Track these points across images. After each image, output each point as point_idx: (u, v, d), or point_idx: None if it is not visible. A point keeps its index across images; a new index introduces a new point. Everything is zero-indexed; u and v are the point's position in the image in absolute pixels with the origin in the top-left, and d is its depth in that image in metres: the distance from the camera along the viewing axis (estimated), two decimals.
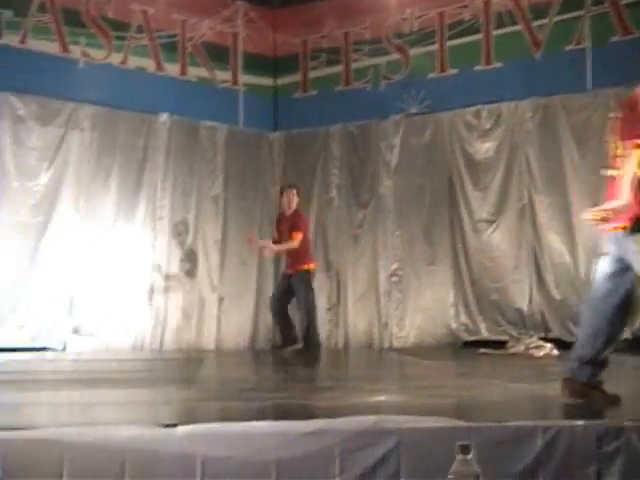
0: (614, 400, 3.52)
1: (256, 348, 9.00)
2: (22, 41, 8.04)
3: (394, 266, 8.84)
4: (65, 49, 8.33)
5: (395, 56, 9.24)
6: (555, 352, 7.29)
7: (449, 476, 1.99)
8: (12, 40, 7.98)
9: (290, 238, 7.86)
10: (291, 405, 3.83)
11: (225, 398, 4.20)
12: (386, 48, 9.28)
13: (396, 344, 8.70)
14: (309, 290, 7.96)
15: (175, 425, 2.83)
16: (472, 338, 8.47)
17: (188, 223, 8.95)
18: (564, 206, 8.12)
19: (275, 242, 8.16)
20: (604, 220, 3.44)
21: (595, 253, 7.83)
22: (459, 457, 1.99)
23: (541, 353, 7.28)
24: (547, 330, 8.07)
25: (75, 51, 8.39)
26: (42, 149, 8.04)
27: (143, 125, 8.69)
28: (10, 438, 2.69)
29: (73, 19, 8.37)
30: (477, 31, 8.76)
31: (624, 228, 3.44)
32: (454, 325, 8.64)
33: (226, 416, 3.48)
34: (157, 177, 8.75)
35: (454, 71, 8.89)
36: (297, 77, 9.79)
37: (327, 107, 9.40)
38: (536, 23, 8.41)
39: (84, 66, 8.43)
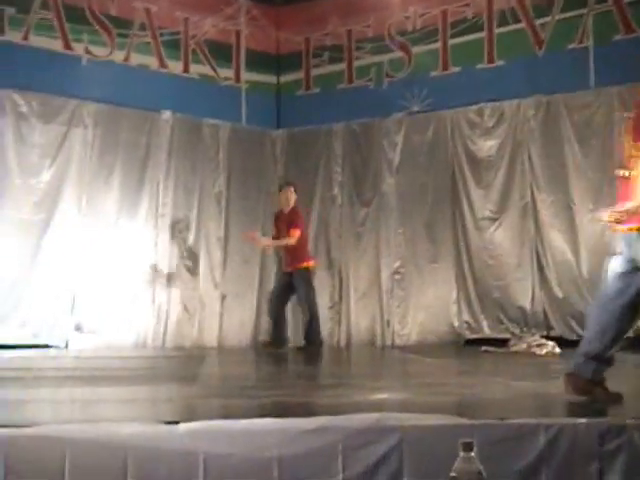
0: (616, 398, 3.52)
1: (258, 346, 8.99)
2: (25, 38, 8.04)
3: (396, 264, 8.85)
4: (68, 46, 8.33)
5: (398, 54, 9.24)
6: (557, 350, 7.28)
7: (452, 473, 1.99)
8: (15, 37, 7.98)
9: (288, 235, 7.85)
10: (293, 402, 3.83)
11: (227, 395, 4.20)
12: (389, 46, 9.27)
13: (398, 342, 8.70)
14: (310, 288, 7.96)
15: (177, 422, 2.83)
16: (474, 336, 8.47)
17: (190, 220, 8.95)
18: (566, 204, 8.12)
19: (273, 239, 8.18)
20: (618, 221, 3.46)
21: (597, 251, 7.87)
22: (462, 454, 1.98)
23: (543, 351, 7.27)
24: (549, 328, 8.07)
25: (78, 48, 8.39)
26: (44, 146, 8.04)
27: (146, 123, 8.70)
28: (13, 435, 2.69)
29: (76, 16, 8.37)
30: (480, 29, 8.76)
31: (638, 230, 3.47)
32: (456, 323, 8.63)
33: (228, 413, 3.48)
34: (159, 175, 8.75)
35: (457, 69, 8.88)
36: (300, 75, 9.79)
37: (330, 105, 9.39)
38: (539, 21, 8.41)
39: (87, 63, 8.43)
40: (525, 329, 8.12)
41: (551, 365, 6.35)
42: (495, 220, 8.52)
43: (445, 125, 8.82)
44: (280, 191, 8.28)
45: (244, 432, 2.82)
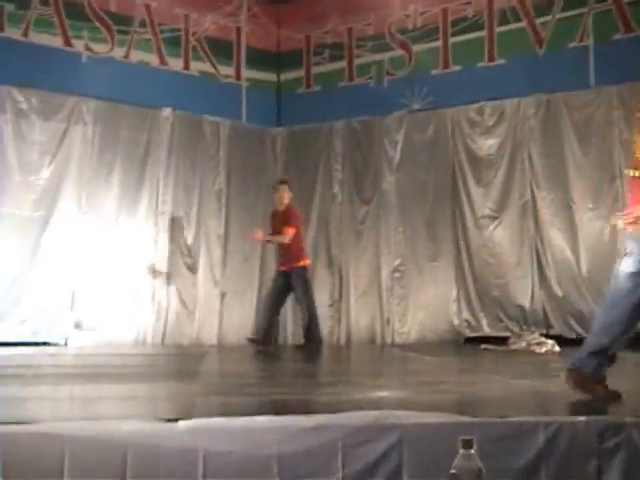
0: (615, 396, 3.53)
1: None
2: (24, 34, 8.04)
3: (396, 262, 8.85)
4: (68, 43, 8.33)
5: (398, 52, 9.23)
6: (557, 348, 7.28)
7: (452, 471, 1.99)
8: (14, 33, 7.98)
9: (282, 233, 7.84)
10: (293, 400, 3.83)
11: (227, 393, 4.20)
12: (389, 44, 9.27)
13: (398, 340, 8.71)
14: (307, 287, 7.95)
15: (177, 420, 2.83)
16: (474, 334, 8.48)
17: (190, 218, 8.94)
18: (566, 203, 8.12)
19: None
20: (635, 223, 3.49)
21: (596, 250, 7.88)
22: (462, 452, 1.99)
23: (543, 349, 7.27)
24: (549, 327, 8.08)
25: (78, 45, 8.39)
26: (44, 143, 8.04)
27: (146, 120, 8.70)
28: (12, 432, 2.69)
29: (76, 12, 8.36)
30: (480, 28, 8.75)
31: None
32: (456, 321, 8.64)
33: (228, 411, 3.48)
34: (160, 172, 8.75)
35: (457, 67, 8.88)
36: (300, 73, 9.80)
37: (330, 103, 9.39)
38: (539, 20, 8.41)
39: (87, 60, 8.43)
40: (524, 327, 8.13)
41: (550, 363, 6.35)
42: (495, 219, 8.52)
43: (445, 123, 8.82)
44: (274, 190, 8.26)
45: (244, 430, 2.82)
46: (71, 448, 2.64)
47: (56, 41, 8.26)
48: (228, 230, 9.17)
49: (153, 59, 8.96)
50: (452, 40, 8.90)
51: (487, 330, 8.44)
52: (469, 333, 8.57)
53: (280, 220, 7.97)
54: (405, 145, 8.97)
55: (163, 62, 9.03)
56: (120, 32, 8.69)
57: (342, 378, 5.25)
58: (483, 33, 8.72)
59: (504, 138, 8.52)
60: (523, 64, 8.41)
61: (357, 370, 6.67)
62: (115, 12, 8.65)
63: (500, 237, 8.49)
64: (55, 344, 7.84)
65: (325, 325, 8.95)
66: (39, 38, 8.12)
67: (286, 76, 9.90)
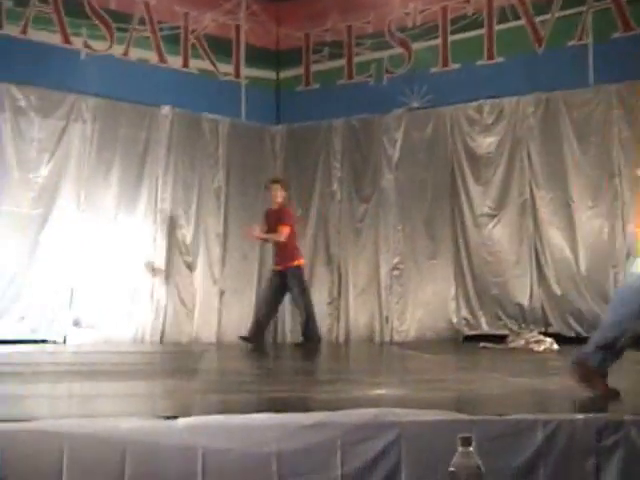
0: (614, 393, 3.53)
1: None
2: (23, 31, 8.03)
3: (395, 260, 8.85)
4: (67, 40, 8.32)
5: (398, 50, 9.23)
6: (555, 347, 7.30)
7: (450, 468, 1.99)
8: (13, 30, 7.97)
9: (276, 232, 7.83)
10: (292, 398, 3.83)
11: (226, 390, 4.20)
12: (389, 42, 9.26)
13: (397, 338, 8.71)
14: (303, 286, 7.94)
15: (176, 417, 2.83)
16: (473, 332, 8.49)
17: (189, 215, 8.94)
18: (565, 201, 8.13)
19: None
20: None
21: (595, 248, 7.89)
22: (460, 449, 1.99)
23: (541, 348, 7.28)
24: (547, 325, 8.09)
25: (77, 42, 8.39)
26: (43, 141, 8.03)
27: (145, 117, 8.69)
28: (11, 429, 2.69)
29: (75, 10, 8.36)
30: (480, 26, 8.75)
31: None
32: (455, 319, 8.64)
33: (227, 408, 3.48)
34: (159, 170, 8.74)
35: (456, 66, 8.89)
36: (300, 70, 9.80)
37: (329, 101, 9.40)
38: (538, 18, 8.41)
39: (86, 57, 8.42)
40: (523, 326, 8.14)
41: (549, 361, 6.36)
42: (494, 217, 8.53)
43: (445, 122, 8.82)
44: (266, 189, 8.24)
45: (243, 427, 2.82)
46: (70, 446, 2.64)
47: (55, 38, 8.25)
48: (227, 228, 9.17)
49: (152, 57, 8.96)
50: (451, 38, 8.90)
51: (486, 328, 8.45)
52: (468, 331, 8.57)
53: (274, 219, 7.96)
54: (404, 143, 8.96)
55: (162, 60, 9.03)
56: (119, 29, 8.68)
57: (341, 376, 5.25)
58: (482, 31, 8.72)
59: (503, 136, 8.52)
60: (522, 62, 8.41)
61: (356, 368, 6.67)
62: (114, 9, 8.64)
63: (499, 235, 8.49)
64: (54, 342, 7.84)
65: (324, 323, 8.95)
66: (38, 35, 8.11)
67: (285, 74, 9.90)
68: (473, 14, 8.77)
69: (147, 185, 8.69)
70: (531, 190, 8.32)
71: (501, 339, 7.87)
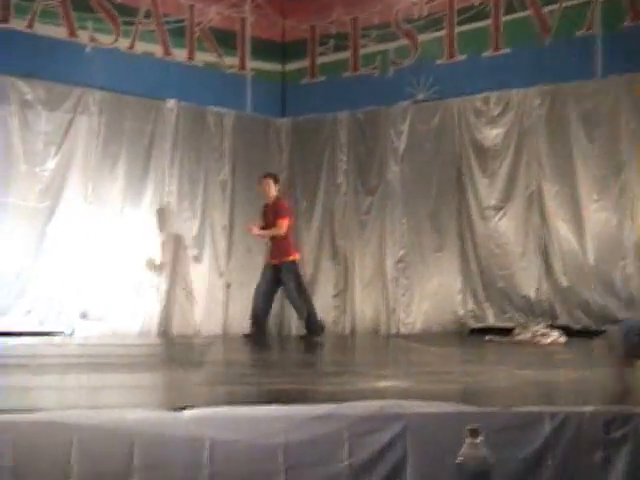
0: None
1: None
2: (29, 25, 8.03)
3: (401, 252, 8.84)
4: (73, 34, 8.32)
5: (403, 42, 9.20)
6: (562, 339, 7.28)
7: (458, 459, 1.99)
8: (19, 24, 7.97)
9: (274, 226, 7.81)
10: (298, 390, 3.83)
11: (232, 382, 4.21)
12: (394, 34, 9.24)
13: (403, 330, 8.71)
14: (299, 280, 7.88)
15: (182, 409, 2.84)
16: (479, 325, 8.47)
17: (195, 208, 8.94)
18: (572, 193, 8.09)
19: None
20: None
21: (602, 240, 7.85)
22: (468, 440, 1.99)
23: (548, 340, 7.26)
24: (554, 317, 8.05)
25: (83, 36, 8.38)
26: (50, 134, 8.04)
27: (150, 111, 8.69)
28: (20, 420, 2.70)
29: (81, 3, 8.35)
30: (486, 16, 8.71)
31: None
32: (461, 312, 8.63)
33: (233, 400, 3.48)
34: (164, 163, 8.74)
35: (463, 57, 8.85)
36: (305, 63, 9.77)
37: (335, 93, 9.37)
38: (546, 8, 8.36)
39: (91, 51, 8.41)
40: (530, 318, 8.11)
41: (556, 354, 6.35)
42: (500, 209, 8.50)
43: (451, 113, 8.79)
44: (258, 184, 8.22)
45: (249, 419, 2.83)
46: (78, 436, 2.65)
47: (61, 32, 8.25)
48: (233, 221, 9.16)
49: (158, 50, 8.95)
50: (458, 29, 8.85)
51: (492, 321, 8.43)
52: (474, 324, 8.56)
53: (271, 213, 7.92)
54: (410, 135, 8.94)
55: (168, 53, 9.01)
56: (125, 23, 8.67)
57: (347, 368, 5.26)
58: (489, 22, 8.68)
59: (510, 128, 8.48)
60: (529, 53, 8.36)
61: (362, 360, 6.68)
62: (120, 3, 8.63)
63: (505, 228, 8.46)
64: (61, 334, 7.86)
65: (330, 315, 8.97)
66: (44, 29, 8.11)
67: (291, 66, 9.87)
68: (480, 4, 8.72)
69: (153, 178, 8.69)
70: (538, 182, 8.29)
71: (508, 332, 7.85)
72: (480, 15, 8.74)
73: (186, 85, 8.94)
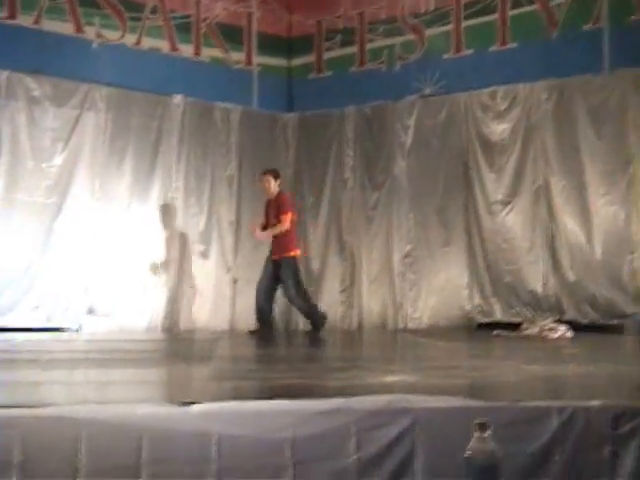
0: None
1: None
2: (36, 21, 8.04)
3: (408, 247, 8.84)
4: (79, 30, 8.33)
5: (410, 36, 9.18)
6: (569, 334, 7.27)
7: (466, 453, 1.99)
8: (26, 20, 7.99)
9: (278, 221, 7.78)
10: (306, 384, 3.84)
11: (239, 377, 4.21)
12: (401, 28, 9.22)
13: (410, 325, 8.71)
14: (297, 277, 7.85)
15: (191, 404, 2.84)
16: (486, 320, 8.47)
17: (202, 204, 8.95)
18: (579, 188, 8.07)
19: (262, 227, 8.00)
20: None
21: (610, 235, 7.83)
22: (476, 434, 1.99)
23: (555, 335, 7.25)
24: (561, 312, 8.05)
25: (89, 32, 8.40)
26: (57, 130, 8.06)
27: (157, 106, 8.70)
28: (29, 415, 2.71)
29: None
30: (493, 11, 8.69)
31: None
32: (468, 307, 8.63)
33: (241, 395, 3.49)
34: (171, 159, 8.75)
35: (469, 51, 8.83)
36: (311, 58, 9.76)
37: (342, 88, 9.37)
38: (553, 2, 8.33)
39: (98, 47, 8.43)
40: (537, 313, 8.10)
41: (563, 349, 6.34)
42: (507, 204, 8.49)
43: (458, 108, 8.78)
44: (259, 181, 8.21)
45: (257, 413, 2.83)
46: (87, 431, 2.66)
47: (68, 28, 8.26)
48: (240, 217, 9.17)
49: (164, 46, 8.96)
50: (465, 24, 8.84)
51: (499, 316, 8.42)
52: (481, 319, 8.55)
53: (273, 208, 7.90)
54: (417, 130, 8.93)
55: (174, 48, 9.02)
56: (132, 19, 8.68)
57: (354, 363, 5.25)
58: (496, 16, 8.66)
59: (517, 123, 8.46)
60: (536, 47, 8.34)
61: (369, 355, 6.67)
62: None
63: (512, 222, 8.45)
64: (69, 330, 7.88)
65: (337, 311, 8.99)
66: (51, 25, 8.12)
67: (297, 61, 9.87)
68: None
69: (160, 174, 8.70)
70: (545, 177, 8.27)
71: (515, 327, 7.85)
72: (487, 9, 8.72)
73: (193, 81, 8.94)
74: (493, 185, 8.58)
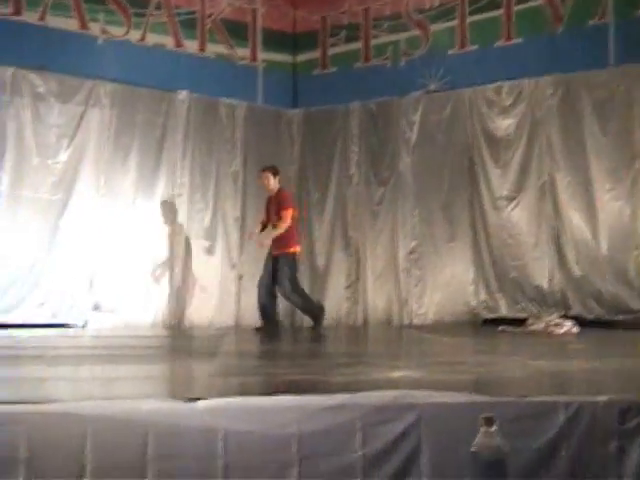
0: None
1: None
2: (41, 18, 8.05)
3: (413, 243, 8.83)
4: (84, 26, 8.34)
5: (415, 32, 9.17)
6: (575, 330, 7.26)
7: (472, 448, 1.99)
8: (31, 17, 8.00)
9: (279, 218, 7.76)
10: (312, 380, 3.84)
11: (245, 373, 4.22)
12: (406, 24, 9.20)
13: (415, 321, 8.71)
14: (294, 274, 7.82)
15: (197, 399, 2.85)
16: (492, 315, 8.46)
17: (207, 200, 8.96)
18: (585, 183, 8.05)
19: (263, 224, 7.97)
20: None
21: (615, 230, 7.81)
22: (483, 429, 1.98)
23: (561, 331, 7.24)
24: (567, 308, 8.04)
25: (94, 28, 8.40)
26: (62, 126, 8.07)
27: (162, 103, 8.70)
28: (34, 411, 2.71)
29: None
30: (498, 6, 8.67)
31: None
32: (473, 302, 8.62)
33: (246, 391, 3.49)
34: (176, 155, 8.75)
35: (474, 47, 8.81)
36: (316, 54, 9.76)
37: (346, 84, 9.36)
38: None
39: (103, 43, 8.43)
40: (543, 308, 8.10)
41: (569, 344, 6.33)
42: (513, 199, 8.47)
43: (463, 104, 8.77)
44: (258, 178, 8.19)
45: (263, 409, 2.83)
46: (93, 427, 2.66)
47: (72, 24, 8.27)
48: (245, 213, 9.17)
49: (169, 42, 8.96)
50: (469, 19, 8.82)
51: (505, 311, 8.42)
52: (487, 314, 8.55)
53: (274, 204, 7.85)
54: (422, 126, 8.92)
55: (179, 44, 9.02)
56: (136, 15, 8.68)
57: (360, 359, 5.26)
58: (501, 11, 8.64)
59: (522, 118, 8.45)
60: (541, 42, 8.32)
61: (375, 351, 6.67)
62: None
63: (518, 218, 8.44)
64: (74, 326, 7.90)
65: (342, 307, 9.00)
66: (55, 21, 8.13)
67: (302, 57, 9.86)
68: None
69: (165, 170, 8.71)
70: (550, 172, 8.26)
71: (520, 322, 7.84)
72: (492, 5, 8.70)
73: (197, 77, 8.94)
74: (498, 181, 8.57)
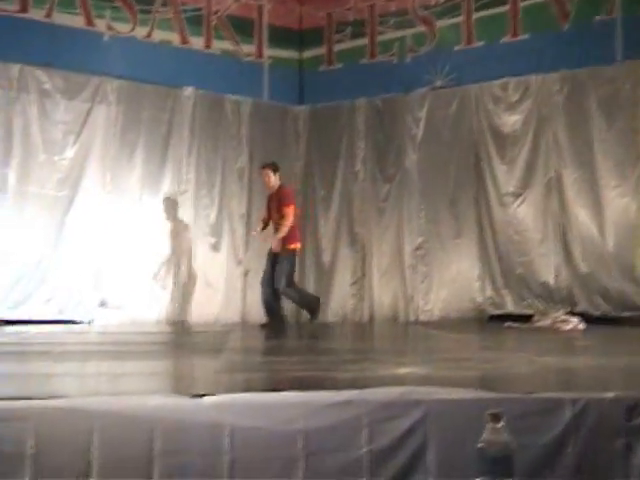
0: None
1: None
2: (47, 15, 8.07)
3: (419, 239, 8.83)
4: (90, 23, 8.35)
5: (421, 28, 9.15)
6: (581, 326, 7.25)
7: (479, 444, 1.99)
8: (37, 14, 8.01)
9: (281, 215, 7.73)
10: (318, 376, 3.84)
11: (251, 369, 4.22)
12: (412, 20, 9.18)
13: (421, 318, 8.71)
14: (292, 270, 7.78)
15: (202, 395, 2.85)
16: (498, 312, 8.46)
17: (212, 196, 8.96)
18: (591, 179, 8.04)
19: (265, 221, 7.92)
20: None
21: (622, 226, 7.79)
22: (489, 425, 1.98)
23: (568, 327, 7.23)
24: (574, 304, 8.02)
25: (100, 25, 8.42)
26: (68, 123, 8.10)
27: (168, 99, 8.71)
28: (41, 406, 2.72)
29: None
30: (504, 2, 8.65)
31: None
32: (480, 299, 8.61)
33: (252, 387, 3.49)
34: (182, 151, 8.76)
35: (480, 43, 8.79)
36: (322, 50, 9.75)
37: (352, 80, 9.35)
38: None
39: (109, 40, 8.44)
40: (549, 305, 8.09)
41: (575, 341, 6.32)
42: (519, 196, 8.46)
43: (469, 100, 8.75)
44: (259, 175, 8.17)
45: (270, 405, 2.83)
46: (99, 422, 2.67)
47: (78, 21, 8.28)
48: (251, 209, 9.17)
49: (175, 38, 8.96)
50: (475, 15, 8.80)
51: (511, 308, 8.41)
52: (493, 311, 8.54)
53: (275, 201, 7.82)
54: (428, 122, 8.91)
55: (185, 41, 9.02)
56: (142, 11, 8.69)
57: (366, 355, 5.26)
58: (507, 8, 8.62)
59: (528, 114, 8.43)
60: (548, 39, 8.30)
61: (381, 347, 6.67)
62: None
63: (524, 214, 8.43)
64: (80, 322, 7.92)
65: (348, 303, 9.00)
66: (62, 18, 8.15)
67: (308, 54, 9.85)
68: None
69: (171, 167, 8.72)
70: (557, 168, 8.24)
71: (527, 319, 7.83)
72: (498, 1, 8.68)
73: (203, 73, 8.94)
74: (505, 177, 8.55)
